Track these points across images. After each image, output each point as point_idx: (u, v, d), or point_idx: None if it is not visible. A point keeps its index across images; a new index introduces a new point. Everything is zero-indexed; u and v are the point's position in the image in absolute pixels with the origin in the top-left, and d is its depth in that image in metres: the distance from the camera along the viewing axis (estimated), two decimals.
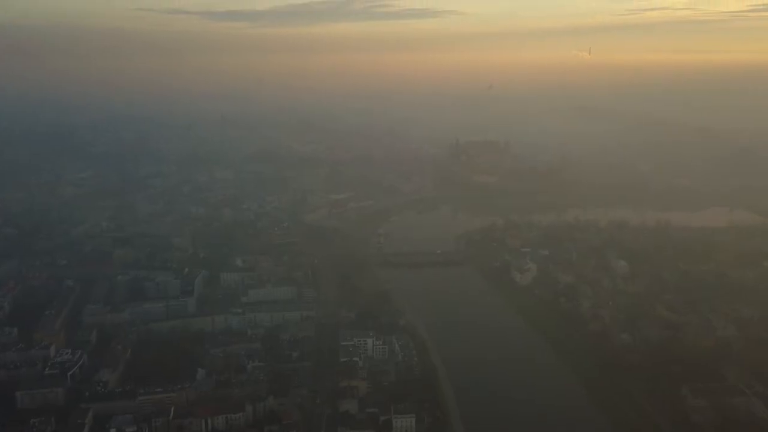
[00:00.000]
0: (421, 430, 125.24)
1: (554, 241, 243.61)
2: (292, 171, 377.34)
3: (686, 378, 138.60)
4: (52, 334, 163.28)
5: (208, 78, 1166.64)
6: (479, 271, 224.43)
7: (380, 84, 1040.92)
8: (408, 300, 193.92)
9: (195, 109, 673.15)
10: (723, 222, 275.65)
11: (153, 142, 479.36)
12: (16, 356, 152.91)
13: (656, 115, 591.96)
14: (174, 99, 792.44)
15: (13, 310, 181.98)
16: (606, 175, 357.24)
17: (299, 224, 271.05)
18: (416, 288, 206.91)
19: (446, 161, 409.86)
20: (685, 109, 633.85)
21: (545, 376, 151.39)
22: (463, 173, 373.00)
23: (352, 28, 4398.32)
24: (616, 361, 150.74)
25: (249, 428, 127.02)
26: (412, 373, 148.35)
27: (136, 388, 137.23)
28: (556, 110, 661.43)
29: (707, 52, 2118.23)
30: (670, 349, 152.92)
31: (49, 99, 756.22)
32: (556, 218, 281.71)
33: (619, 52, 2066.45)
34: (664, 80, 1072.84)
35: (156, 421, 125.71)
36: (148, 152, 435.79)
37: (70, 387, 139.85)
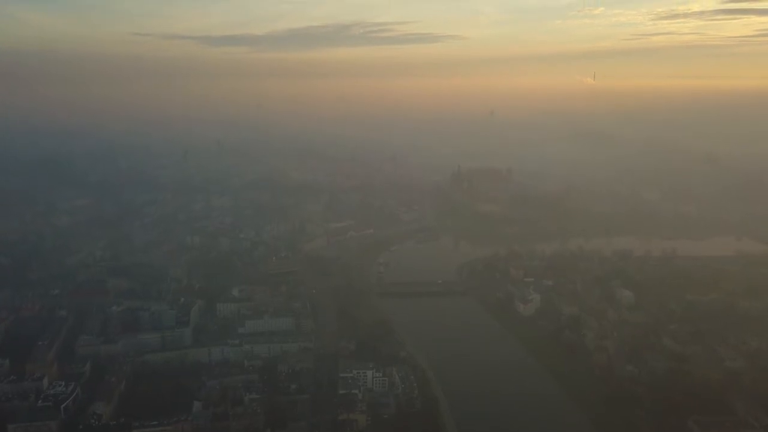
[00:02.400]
0: None
1: (558, 271, 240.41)
2: (291, 199, 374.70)
3: (693, 410, 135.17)
4: (45, 365, 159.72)
5: (205, 103, 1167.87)
6: (481, 302, 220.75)
7: (381, 109, 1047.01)
8: (409, 331, 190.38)
9: (192, 135, 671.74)
10: (730, 251, 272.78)
11: (149, 170, 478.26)
12: (9, 388, 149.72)
13: (661, 141, 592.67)
14: (171, 125, 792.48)
15: (5, 341, 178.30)
16: (610, 202, 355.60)
17: (297, 253, 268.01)
18: (417, 318, 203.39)
19: (448, 189, 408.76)
20: (691, 135, 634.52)
21: (549, 409, 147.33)
22: (465, 201, 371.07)
23: (352, 53, 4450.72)
24: (621, 393, 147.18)
25: None
26: (412, 406, 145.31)
27: (131, 421, 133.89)
28: (559, 136, 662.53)
29: (713, 78, 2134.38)
30: (676, 380, 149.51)
31: (45, 126, 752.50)
32: (559, 247, 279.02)
33: (624, 78, 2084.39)
34: (669, 106, 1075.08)
35: None
36: (144, 180, 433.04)
37: (63, 420, 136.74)
